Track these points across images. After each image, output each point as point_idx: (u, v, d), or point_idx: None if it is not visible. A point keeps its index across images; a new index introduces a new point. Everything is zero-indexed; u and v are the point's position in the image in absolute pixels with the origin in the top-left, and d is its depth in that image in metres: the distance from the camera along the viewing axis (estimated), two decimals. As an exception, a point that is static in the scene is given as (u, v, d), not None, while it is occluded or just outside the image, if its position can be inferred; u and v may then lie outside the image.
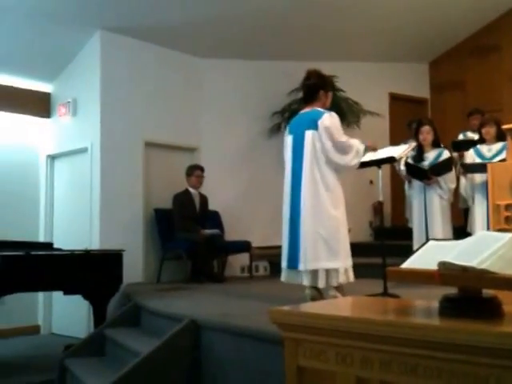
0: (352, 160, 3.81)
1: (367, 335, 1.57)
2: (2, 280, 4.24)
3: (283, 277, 3.94)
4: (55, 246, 5.32)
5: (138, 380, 3.23)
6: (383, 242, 4.08)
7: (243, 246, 6.29)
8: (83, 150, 6.12)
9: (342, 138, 3.81)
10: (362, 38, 7.21)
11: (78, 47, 6.17)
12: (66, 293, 4.66)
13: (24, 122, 6.55)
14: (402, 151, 4.06)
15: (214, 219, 6.50)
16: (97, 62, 5.99)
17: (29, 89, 6.53)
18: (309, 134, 3.83)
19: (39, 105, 6.59)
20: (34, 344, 5.84)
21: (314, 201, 3.75)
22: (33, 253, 4.53)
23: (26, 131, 6.58)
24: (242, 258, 6.58)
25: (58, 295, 5.90)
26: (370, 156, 4.03)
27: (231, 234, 6.46)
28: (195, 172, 6.24)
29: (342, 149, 3.78)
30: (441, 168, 5.05)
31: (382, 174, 4.17)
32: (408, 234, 5.45)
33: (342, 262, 3.74)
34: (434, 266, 1.57)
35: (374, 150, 4.01)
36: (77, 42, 6.10)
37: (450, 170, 5.12)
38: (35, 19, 5.57)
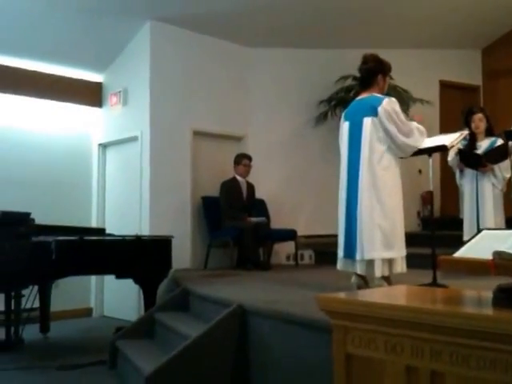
0: (417, 140, 3.75)
1: (418, 324, 1.57)
2: (56, 264, 4.39)
3: (339, 265, 3.92)
4: (107, 231, 5.48)
5: (186, 362, 3.31)
6: (433, 232, 4.00)
7: (289, 235, 6.31)
8: (133, 139, 6.25)
9: (404, 122, 3.75)
10: (412, 24, 7.05)
11: (129, 38, 6.29)
12: (118, 277, 4.80)
13: (77, 112, 6.73)
14: (453, 139, 3.94)
15: (260, 207, 6.53)
16: (147, 52, 6.09)
17: (81, 79, 6.70)
18: (368, 121, 3.75)
19: (91, 94, 6.76)
20: (87, 326, 6.03)
21: (373, 189, 3.69)
22: (86, 238, 4.67)
23: (79, 120, 6.76)
24: (288, 247, 6.60)
25: (109, 279, 6.09)
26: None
27: (277, 223, 6.48)
28: (243, 161, 6.29)
29: (406, 132, 3.72)
30: (496, 155, 4.90)
31: (432, 163, 4.09)
32: (457, 224, 5.34)
33: (398, 252, 3.71)
34: (488, 256, 1.55)
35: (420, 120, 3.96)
36: (127, 33, 6.21)
37: (506, 157, 4.95)
38: (87, 12, 5.70)
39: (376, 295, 2.03)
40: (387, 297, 1.97)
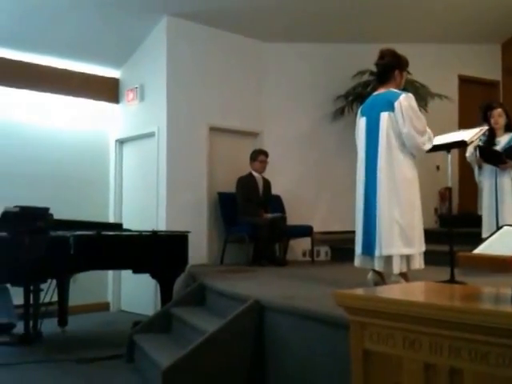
0: (425, 143, 3.71)
1: (437, 321, 1.56)
2: (74, 258, 4.45)
3: (357, 262, 3.90)
4: (124, 227, 5.51)
5: (203, 357, 3.32)
6: (451, 229, 3.97)
7: (305, 231, 6.30)
8: (150, 135, 6.28)
9: (421, 119, 3.72)
10: (431, 18, 6.97)
11: (145, 33, 6.31)
12: (135, 271, 4.84)
13: (94, 108, 6.77)
14: (473, 135, 3.91)
15: (276, 203, 6.53)
16: (163, 47, 6.11)
17: (98, 75, 6.73)
18: (384, 116, 3.73)
19: (108, 90, 6.79)
20: (104, 320, 6.09)
21: (391, 185, 3.67)
22: (104, 233, 4.71)
23: (96, 116, 6.81)
24: (304, 243, 6.59)
25: (126, 274, 6.13)
26: (440, 139, 3.92)
27: (293, 219, 6.47)
28: (259, 157, 6.29)
29: (421, 131, 3.69)
30: None
31: (450, 159, 4.05)
32: (475, 221, 5.28)
33: (417, 248, 3.69)
34: (508, 253, 1.53)
35: None
36: (144, 29, 6.24)
37: (527, 153, 4.89)
38: (104, 8, 5.74)
39: (394, 291, 2.03)
40: (405, 293, 1.96)
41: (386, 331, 1.71)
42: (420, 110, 3.85)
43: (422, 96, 6.45)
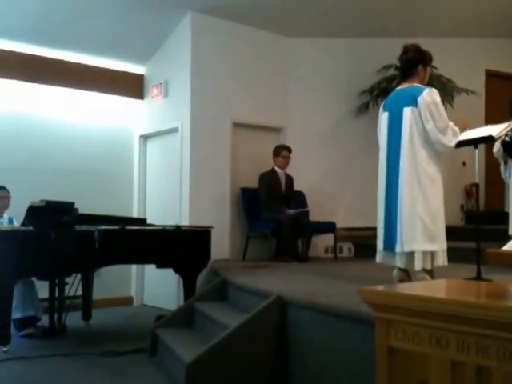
0: (451, 140, 3.65)
1: (463, 318, 1.52)
2: (99, 253, 4.49)
3: (378, 258, 3.87)
4: (148, 221, 5.55)
5: (226, 351, 3.33)
6: (478, 226, 3.89)
7: (328, 227, 6.25)
8: (174, 130, 6.30)
9: (443, 116, 3.66)
10: (457, 12, 6.85)
11: (170, 29, 6.34)
12: (158, 266, 4.87)
13: (119, 103, 6.83)
14: (500, 130, 3.83)
15: (299, 199, 6.50)
16: (187, 43, 6.12)
17: (123, 71, 6.78)
18: (407, 111, 3.69)
19: (133, 86, 6.84)
20: (127, 314, 6.14)
21: (414, 181, 3.63)
22: (128, 227, 4.75)
23: (121, 112, 6.86)
24: (327, 239, 6.55)
25: (149, 269, 6.18)
26: (467, 135, 3.85)
27: (316, 215, 6.44)
28: (282, 152, 6.26)
29: (442, 128, 3.63)
30: None
31: (478, 155, 3.98)
32: (502, 218, 5.19)
33: (440, 245, 3.64)
34: (540, 250, 1.49)
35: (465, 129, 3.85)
36: (168, 25, 6.26)
37: (553, 149, 4.78)
38: (128, 4, 5.77)
39: (419, 288, 2.00)
40: (430, 290, 1.93)
41: (412, 328, 1.69)
42: (445, 105, 3.79)
43: (449, 91, 6.35)
